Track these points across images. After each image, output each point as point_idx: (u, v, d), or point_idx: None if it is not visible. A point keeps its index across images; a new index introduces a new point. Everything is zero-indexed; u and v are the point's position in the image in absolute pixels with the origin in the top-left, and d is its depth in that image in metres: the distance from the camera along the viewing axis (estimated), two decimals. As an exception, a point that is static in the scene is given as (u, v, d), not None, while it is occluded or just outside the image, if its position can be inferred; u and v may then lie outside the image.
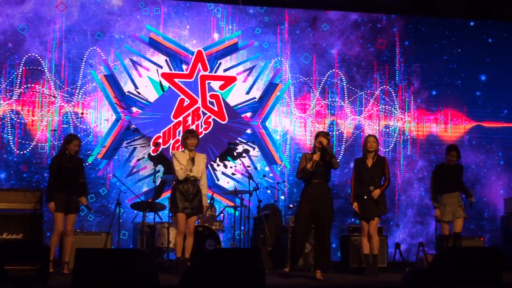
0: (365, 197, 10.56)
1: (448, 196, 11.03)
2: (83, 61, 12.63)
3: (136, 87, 12.78)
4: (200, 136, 10.59)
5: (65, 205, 10.18)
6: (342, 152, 13.44)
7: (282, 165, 13.15)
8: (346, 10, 13.73)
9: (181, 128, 12.59)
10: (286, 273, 10.34)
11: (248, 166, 12.69)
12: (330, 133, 13.32)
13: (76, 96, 12.60)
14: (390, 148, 13.65)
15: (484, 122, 14.03)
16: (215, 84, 13.04)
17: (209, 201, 11.17)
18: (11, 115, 12.34)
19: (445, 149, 11.37)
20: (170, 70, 12.92)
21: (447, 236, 10.97)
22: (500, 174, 13.94)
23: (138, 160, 12.67)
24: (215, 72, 13.09)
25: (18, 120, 12.37)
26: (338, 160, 10.36)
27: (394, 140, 13.71)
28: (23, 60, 12.45)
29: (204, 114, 12.89)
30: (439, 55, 13.99)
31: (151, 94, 12.83)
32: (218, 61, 13.12)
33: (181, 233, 9.88)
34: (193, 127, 12.54)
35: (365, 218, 10.65)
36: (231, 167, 13.01)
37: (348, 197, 12.99)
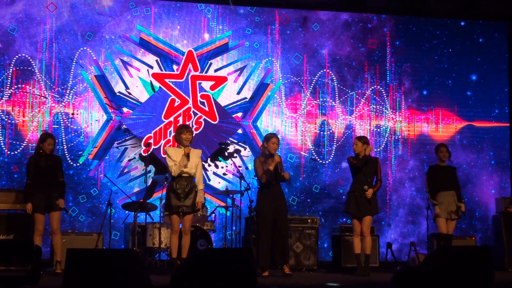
0: (356, 193, 10.63)
1: (443, 194, 11.06)
2: (74, 61, 12.60)
3: (127, 88, 12.76)
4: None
5: (46, 204, 10.08)
6: (333, 152, 13.45)
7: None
8: (337, 10, 13.74)
9: (172, 128, 12.57)
10: (266, 277, 10.21)
11: (240, 166, 12.69)
12: (321, 133, 13.35)
13: (66, 97, 12.57)
14: (381, 148, 13.66)
15: (475, 122, 14.05)
16: (206, 84, 13.03)
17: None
18: (2, 115, 12.30)
19: (435, 149, 11.42)
20: (161, 70, 12.91)
21: (444, 235, 10.99)
22: (491, 174, 13.97)
23: (129, 160, 12.65)
24: (206, 72, 13.08)
25: (9, 121, 12.33)
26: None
27: (385, 140, 13.72)
28: (14, 60, 12.41)
29: (195, 114, 12.87)
30: (430, 55, 14.01)
31: (142, 95, 12.81)
32: (209, 61, 13.12)
33: (175, 233, 9.84)
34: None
35: (358, 216, 10.67)
36: (222, 167, 13.01)
37: (340, 196, 13.08)
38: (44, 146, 10.20)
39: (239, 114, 13.14)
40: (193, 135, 10.13)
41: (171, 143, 12.44)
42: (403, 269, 6.61)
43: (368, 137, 12.92)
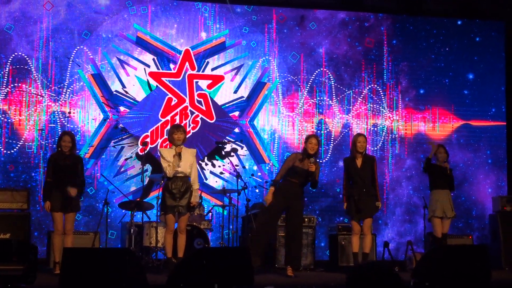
0: (356, 197, 10.50)
1: (439, 193, 11.10)
2: (70, 60, 12.58)
3: (123, 86, 12.74)
4: (188, 135, 10.54)
5: (62, 204, 9.92)
6: (330, 151, 13.44)
7: (270, 164, 13.14)
8: (334, 9, 13.73)
9: (168, 127, 12.55)
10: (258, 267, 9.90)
11: (237, 165, 12.69)
12: (318, 131, 13.34)
13: (63, 95, 12.55)
14: (378, 147, 13.66)
15: (472, 121, 14.05)
16: (203, 83, 13.02)
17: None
18: (-2, 114, 12.30)
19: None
20: (158, 69, 12.89)
21: (440, 238, 11.01)
22: (488, 173, 13.97)
23: (126, 159, 12.64)
24: (203, 71, 13.07)
25: (5, 120, 12.32)
26: (320, 169, 10.47)
27: (382, 139, 13.71)
28: (10, 59, 12.39)
29: (192, 113, 12.86)
30: (427, 54, 14.01)
31: (138, 93, 12.79)
32: (206, 60, 13.10)
33: (170, 232, 9.84)
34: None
35: (358, 219, 10.56)
36: (219, 166, 13.00)
37: (337, 195, 13.05)
38: (62, 144, 10.07)
39: (236, 113, 13.13)
40: (186, 134, 10.10)
41: (167, 143, 12.43)
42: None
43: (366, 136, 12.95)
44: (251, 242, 10.24)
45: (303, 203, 10.36)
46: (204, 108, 12.91)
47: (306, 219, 11.80)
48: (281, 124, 13.37)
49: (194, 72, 12.97)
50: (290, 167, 10.09)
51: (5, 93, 12.34)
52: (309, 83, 13.50)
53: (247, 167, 13.03)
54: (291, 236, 10.11)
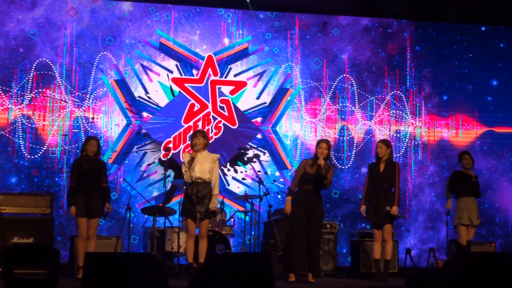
0: (373, 200, 10.54)
1: (465, 200, 11.06)
2: (94, 66, 12.66)
3: (146, 92, 12.80)
4: (210, 141, 10.55)
5: (86, 209, 10.00)
6: (352, 157, 13.42)
7: (293, 170, 13.11)
8: (357, 15, 13.71)
9: (191, 132, 12.57)
10: (292, 282, 10.19)
11: (259, 171, 12.69)
12: (340, 138, 13.32)
13: (86, 101, 12.63)
14: (401, 153, 13.62)
15: (495, 127, 13.98)
16: (226, 89, 13.05)
17: (219, 206, 11.15)
18: (22, 120, 12.38)
19: (458, 156, 11.41)
20: (181, 75, 12.93)
21: (464, 246, 10.97)
22: (511, 180, 13.88)
23: (149, 164, 12.69)
24: (226, 77, 13.09)
25: (29, 125, 12.41)
26: (333, 174, 10.47)
27: (405, 145, 13.67)
28: (34, 65, 12.49)
29: (215, 119, 12.89)
30: (450, 60, 13.95)
31: (161, 99, 12.84)
32: (229, 66, 13.13)
33: (191, 237, 9.85)
34: (204, 131, 12.53)
35: (377, 224, 10.60)
36: (241, 172, 13.01)
37: (359, 201, 12.98)
38: (87, 148, 10.14)
39: (259, 119, 13.14)
40: (208, 140, 10.12)
41: (189, 148, 12.45)
42: (417, 276, 6.55)
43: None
44: (287, 259, 10.29)
45: (322, 209, 10.39)
46: (226, 114, 12.93)
47: (328, 225, 11.78)
48: (304, 130, 13.37)
49: (217, 78, 13.00)
50: (302, 174, 10.17)
51: (29, 98, 12.43)
52: (332, 89, 13.49)
53: (269, 173, 13.03)
54: (311, 243, 10.13)
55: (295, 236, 10.15)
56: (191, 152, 9.97)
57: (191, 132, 12.33)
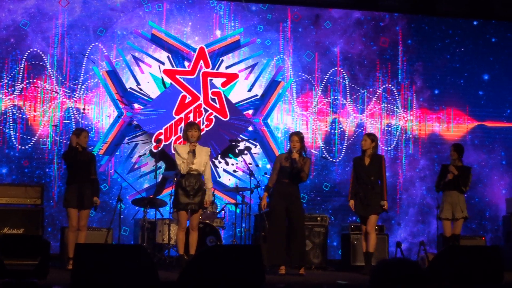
0: (361, 194, 10.54)
1: (449, 194, 11.03)
2: (85, 57, 12.63)
3: (138, 84, 12.77)
4: (202, 133, 10.54)
5: (78, 200, 9.98)
6: (344, 150, 13.43)
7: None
8: (349, 8, 13.71)
9: (182, 124, 12.56)
10: (283, 274, 10.18)
11: (250, 164, 12.68)
12: (332, 131, 13.33)
13: (78, 92, 12.60)
14: (392, 146, 13.64)
15: (486, 122, 14.01)
16: (217, 81, 13.03)
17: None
18: (13, 110, 12.35)
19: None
20: (172, 66, 12.91)
21: (448, 238, 10.97)
22: (502, 174, 13.93)
23: (140, 156, 12.67)
24: (217, 69, 13.08)
25: (20, 116, 12.37)
26: (309, 164, 10.41)
27: (396, 139, 13.69)
28: (25, 55, 12.45)
29: (206, 111, 12.87)
30: (442, 54, 13.97)
31: (153, 91, 12.82)
32: (220, 58, 13.11)
33: (182, 229, 9.84)
34: (195, 123, 12.51)
35: (364, 216, 10.61)
36: (232, 164, 13.01)
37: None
38: (81, 140, 10.06)
39: (250, 111, 13.13)
40: (201, 132, 10.11)
41: (181, 139, 12.45)
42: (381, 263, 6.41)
43: (379, 136, 12.94)
44: (268, 250, 10.24)
45: (301, 202, 10.43)
46: (218, 106, 12.91)
47: (318, 218, 11.82)
48: (295, 123, 13.36)
49: (209, 70, 12.98)
50: (279, 169, 10.19)
51: (20, 89, 12.40)
52: (323, 82, 13.49)
53: (260, 165, 13.03)
54: (293, 234, 10.12)
55: (274, 227, 10.15)
56: (183, 144, 9.94)
57: (183, 124, 12.35)
